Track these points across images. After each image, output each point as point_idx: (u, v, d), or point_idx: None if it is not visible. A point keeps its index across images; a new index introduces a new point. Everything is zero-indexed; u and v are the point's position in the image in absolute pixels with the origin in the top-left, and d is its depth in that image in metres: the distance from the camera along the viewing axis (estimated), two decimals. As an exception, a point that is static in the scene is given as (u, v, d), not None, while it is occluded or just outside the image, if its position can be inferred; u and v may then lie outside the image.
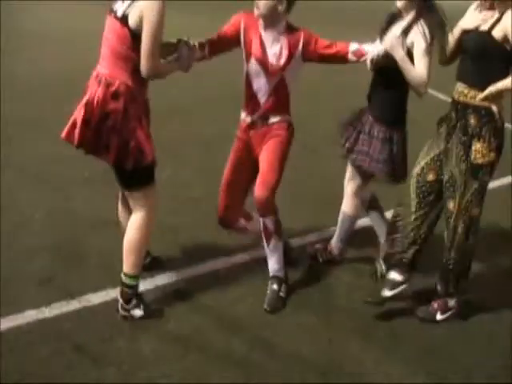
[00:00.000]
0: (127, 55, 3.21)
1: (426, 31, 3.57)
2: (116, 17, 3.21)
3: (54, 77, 7.94)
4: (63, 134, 3.36)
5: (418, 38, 3.58)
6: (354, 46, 3.68)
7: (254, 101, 3.79)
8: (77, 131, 3.28)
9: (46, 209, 4.65)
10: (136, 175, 3.35)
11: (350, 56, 3.68)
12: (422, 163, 3.72)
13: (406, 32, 3.63)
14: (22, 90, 7.33)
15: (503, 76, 3.45)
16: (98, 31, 3.40)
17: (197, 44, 3.61)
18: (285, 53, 3.68)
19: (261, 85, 3.74)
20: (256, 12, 3.63)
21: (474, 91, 3.49)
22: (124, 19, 3.17)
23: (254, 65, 3.71)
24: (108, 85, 3.21)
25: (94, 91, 3.25)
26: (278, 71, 3.69)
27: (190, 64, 3.49)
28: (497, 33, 3.39)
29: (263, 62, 3.69)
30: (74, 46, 9.51)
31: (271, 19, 3.64)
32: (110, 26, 3.27)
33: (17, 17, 11.95)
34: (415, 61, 3.57)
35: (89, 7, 11.61)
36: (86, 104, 3.25)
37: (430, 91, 4.31)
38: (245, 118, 3.87)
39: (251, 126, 3.85)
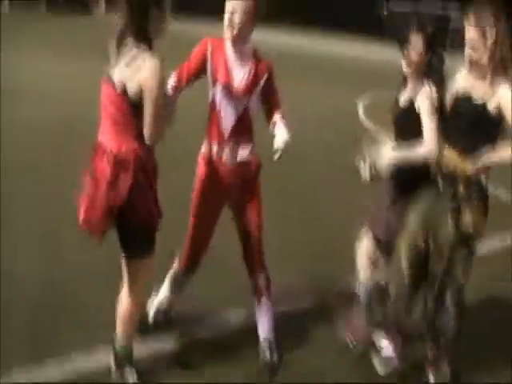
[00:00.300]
0: (129, 123, 3.15)
1: (433, 90, 3.59)
2: (114, 87, 3.13)
3: (53, 124, 8.12)
4: (81, 220, 3.24)
5: (423, 99, 3.59)
6: (278, 116, 3.71)
7: (219, 129, 3.71)
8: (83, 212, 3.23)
9: (40, 255, 4.67)
10: (140, 239, 3.29)
11: (273, 120, 3.72)
12: (411, 228, 3.71)
13: (412, 98, 3.67)
14: (22, 136, 7.56)
15: (493, 145, 3.48)
16: (95, 84, 3.38)
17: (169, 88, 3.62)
18: (251, 78, 3.67)
19: (227, 111, 3.68)
20: (231, 33, 3.58)
21: (463, 159, 3.51)
22: (123, 89, 3.10)
23: (220, 90, 3.67)
24: (115, 156, 3.14)
25: (100, 166, 3.17)
26: (244, 95, 3.66)
27: (173, 115, 3.38)
28: (491, 104, 3.43)
29: (230, 86, 3.65)
30: (73, 97, 9.72)
31: (244, 36, 3.62)
32: (108, 96, 3.18)
33: (17, 68, 12.19)
34: (423, 125, 3.58)
35: (87, 62, 11.83)
36: (94, 180, 3.18)
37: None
38: (209, 148, 3.75)
39: (218, 158, 3.73)
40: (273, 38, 28.57)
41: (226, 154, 3.73)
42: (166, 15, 3.19)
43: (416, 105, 3.62)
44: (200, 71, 3.73)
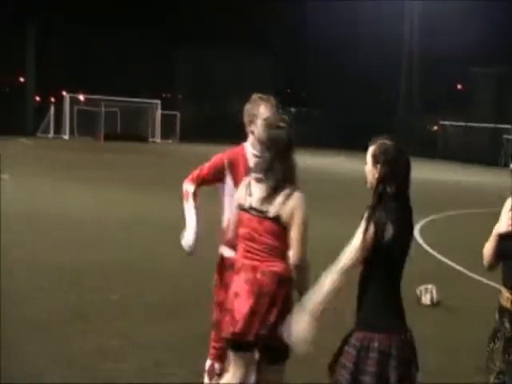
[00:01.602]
0: (281, 247, 3.60)
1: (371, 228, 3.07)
2: (266, 217, 3.59)
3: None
4: (237, 330, 3.56)
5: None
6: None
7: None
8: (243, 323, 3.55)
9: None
10: (283, 349, 3.50)
11: None
12: None
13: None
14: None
15: None
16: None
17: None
18: None
19: None
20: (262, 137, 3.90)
21: None
22: (277, 218, 3.57)
23: None
24: (273, 274, 3.58)
25: (260, 284, 3.57)
26: None
27: None
28: None
29: None
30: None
31: None
32: (257, 225, 3.62)
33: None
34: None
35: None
36: (257, 296, 3.54)
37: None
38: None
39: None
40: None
41: None
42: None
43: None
44: (212, 182, 4.25)
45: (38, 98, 47.78)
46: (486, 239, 3.38)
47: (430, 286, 7.18)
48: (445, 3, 45.58)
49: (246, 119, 4.07)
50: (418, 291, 7.13)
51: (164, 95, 52.89)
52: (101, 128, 41.39)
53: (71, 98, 42.56)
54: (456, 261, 9.57)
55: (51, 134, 40.00)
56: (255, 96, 4.10)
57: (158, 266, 8.18)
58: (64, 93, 43.16)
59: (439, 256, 9.95)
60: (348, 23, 48.16)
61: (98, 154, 28.28)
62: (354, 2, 45.78)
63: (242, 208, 3.68)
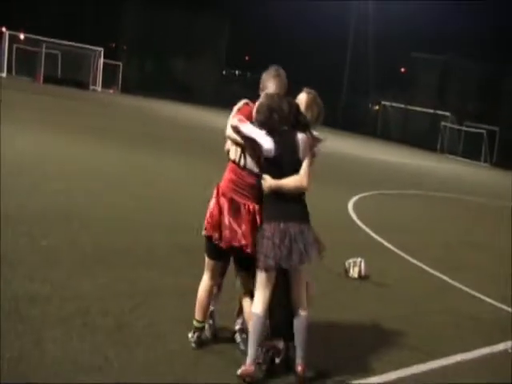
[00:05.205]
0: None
1: None
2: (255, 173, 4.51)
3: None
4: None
5: None
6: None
7: None
8: None
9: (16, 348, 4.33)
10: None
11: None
12: None
13: None
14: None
15: None
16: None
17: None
18: None
19: None
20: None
21: None
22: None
23: None
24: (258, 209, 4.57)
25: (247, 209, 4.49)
26: None
27: None
28: None
29: None
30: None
31: None
32: (248, 178, 4.49)
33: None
34: None
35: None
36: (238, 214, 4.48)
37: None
38: None
39: None
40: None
41: None
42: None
43: None
44: None
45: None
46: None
47: (358, 260, 7.30)
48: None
49: (260, 85, 4.61)
50: (346, 264, 7.24)
51: (109, 44, 51.56)
52: (40, 69, 40.11)
53: (11, 36, 40.98)
54: (385, 238, 9.79)
55: (-13, 70, 38.54)
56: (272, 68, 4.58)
57: (94, 215, 8.06)
58: (4, 29, 41.51)
59: (369, 231, 10.15)
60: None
61: (36, 95, 27.38)
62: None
63: (236, 164, 4.49)
